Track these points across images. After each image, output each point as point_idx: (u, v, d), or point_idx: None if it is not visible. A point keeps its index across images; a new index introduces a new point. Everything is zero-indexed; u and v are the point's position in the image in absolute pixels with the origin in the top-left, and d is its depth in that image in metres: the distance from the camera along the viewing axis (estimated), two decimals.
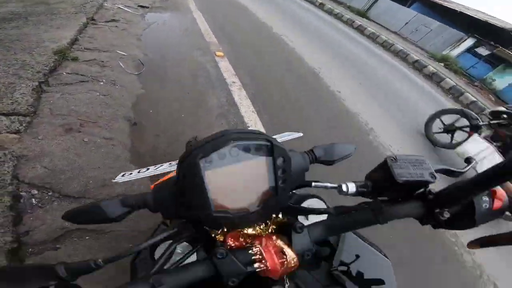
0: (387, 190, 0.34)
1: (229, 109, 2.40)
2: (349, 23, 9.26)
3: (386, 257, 0.45)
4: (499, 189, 0.33)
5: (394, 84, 4.84)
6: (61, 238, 1.23)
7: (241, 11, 6.14)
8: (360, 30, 8.77)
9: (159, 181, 0.34)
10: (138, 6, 4.07)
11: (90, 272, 0.28)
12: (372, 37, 8.26)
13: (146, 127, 1.97)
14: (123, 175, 0.62)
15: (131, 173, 0.62)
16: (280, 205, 0.34)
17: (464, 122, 2.65)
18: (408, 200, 0.33)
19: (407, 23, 11.06)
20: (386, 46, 7.72)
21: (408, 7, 12.35)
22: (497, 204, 0.32)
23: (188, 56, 3.10)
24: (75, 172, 1.49)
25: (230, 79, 2.89)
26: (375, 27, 9.98)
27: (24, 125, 1.68)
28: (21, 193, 1.36)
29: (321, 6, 11.28)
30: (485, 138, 2.43)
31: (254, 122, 2.33)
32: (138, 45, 2.91)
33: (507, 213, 0.34)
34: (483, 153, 2.30)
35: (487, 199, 0.32)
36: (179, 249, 0.38)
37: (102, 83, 2.15)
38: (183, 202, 0.30)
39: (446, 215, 0.31)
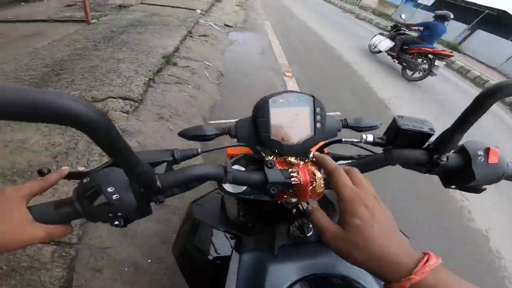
0: (396, 139, 0.41)
1: None
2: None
3: (405, 234, 0.51)
4: (493, 147, 0.38)
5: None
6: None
7: (313, 37, 6.42)
8: (447, 63, 8.11)
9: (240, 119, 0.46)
10: (225, 25, 4.70)
11: (192, 157, 0.41)
12: (462, 72, 7.56)
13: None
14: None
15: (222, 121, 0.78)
16: (314, 144, 0.44)
17: None
18: (413, 148, 0.41)
19: (509, 58, 9.63)
20: (479, 83, 6.92)
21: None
22: (493, 158, 0.37)
23: (261, 73, 3.42)
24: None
25: None
26: (468, 62, 9.13)
27: (132, 108, 2.13)
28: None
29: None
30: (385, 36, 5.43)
31: None
32: (221, 58, 3.36)
33: None
34: (382, 41, 5.25)
35: (482, 153, 0.38)
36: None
37: (190, 86, 2.57)
38: (254, 130, 0.42)
39: (444, 159, 0.38)
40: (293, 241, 0.44)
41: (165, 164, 0.37)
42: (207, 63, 3.07)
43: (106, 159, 1.64)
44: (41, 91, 0.18)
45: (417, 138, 0.40)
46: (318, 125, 0.42)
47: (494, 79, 7.24)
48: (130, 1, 5.02)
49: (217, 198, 0.61)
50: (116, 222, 0.30)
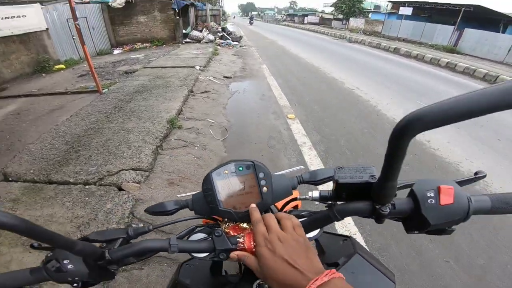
0: (340, 193, 0.42)
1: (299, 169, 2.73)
2: (435, 62, 9.14)
3: (391, 280, 0.51)
4: (444, 185, 0.36)
5: None
6: (147, 260, 1.66)
7: (310, 70, 6.96)
8: (450, 67, 8.39)
9: (196, 192, 0.54)
10: (224, 77, 5.28)
11: (146, 233, 0.48)
12: (468, 73, 7.74)
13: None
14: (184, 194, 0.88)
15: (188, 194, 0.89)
16: (264, 208, 0.48)
17: None
18: (358, 200, 0.41)
19: (510, 49, 9.94)
20: (490, 80, 7.06)
21: (503, 33, 11.57)
22: (445, 199, 0.35)
23: (264, 120, 3.76)
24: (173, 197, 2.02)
25: (301, 139, 3.28)
26: (470, 61, 9.39)
27: (143, 177, 2.42)
28: (132, 225, 1.94)
29: (396, 51, 11.56)
30: None
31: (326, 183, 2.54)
32: (224, 113, 3.76)
33: None
34: None
35: (432, 194, 0.36)
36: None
37: (196, 147, 2.89)
38: (206, 202, 0.48)
39: (385, 210, 0.37)
40: None
41: (120, 240, 0.46)
42: (211, 120, 3.45)
43: (122, 226, 1.87)
44: None
45: (360, 188, 0.40)
46: (264, 189, 0.46)
47: (504, 73, 7.40)
48: (135, 67, 5.80)
49: (206, 260, 0.66)
50: (75, 285, 0.41)
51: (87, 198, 2.13)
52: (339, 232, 1.91)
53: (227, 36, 12.72)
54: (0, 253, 1.66)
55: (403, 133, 0.28)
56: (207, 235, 0.50)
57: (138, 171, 2.46)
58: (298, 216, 0.50)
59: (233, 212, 0.47)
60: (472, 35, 11.98)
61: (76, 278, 0.40)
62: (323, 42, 15.41)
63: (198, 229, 0.52)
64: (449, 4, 15.38)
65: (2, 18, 6.05)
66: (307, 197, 0.48)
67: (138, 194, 2.21)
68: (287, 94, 4.83)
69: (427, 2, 17.33)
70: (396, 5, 20.60)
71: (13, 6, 6.70)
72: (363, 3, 27.54)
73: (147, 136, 2.93)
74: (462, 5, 14.17)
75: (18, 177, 2.39)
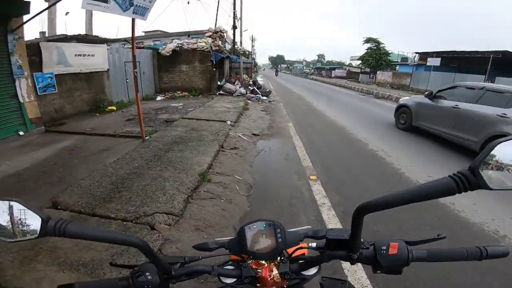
0: (329, 245, 0.66)
1: (317, 226, 2.91)
2: None
3: None
4: (392, 243, 0.57)
5: None
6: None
7: (334, 130, 7.39)
8: None
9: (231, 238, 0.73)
10: (252, 134, 5.88)
11: (196, 261, 0.71)
12: None
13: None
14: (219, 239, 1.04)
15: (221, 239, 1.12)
16: (278, 251, 0.68)
17: None
18: (340, 249, 0.64)
19: None
20: None
21: None
22: (392, 251, 0.56)
23: (287, 180, 4.12)
24: (194, 255, 2.30)
25: (321, 200, 3.51)
26: None
27: (174, 221, 2.80)
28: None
29: None
30: None
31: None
32: (250, 170, 4.21)
33: None
34: None
35: (384, 247, 0.57)
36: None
37: (223, 200, 3.27)
38: (238, 245, 0.69)
39: (354, 256, 0.60)
40: None
41: (179, 263, 0.68)
42: (237, 177, 3.89)
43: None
44: (126, 236, 0.57)
45: (341, 242, 0.62)
46: (279, 240, 0.68)
47: None
48: (174, 117, 6.68)
49: None
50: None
51: (123, 232, 2.50)
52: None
53: (258, 91, 14.02)
54: (36, 269, 2.01)
55: (359, 213, 0.54)
56: (235, 267, 0.73)
57: (170, 215, 2.85)
58: (302, 259, 0.74)
59: (256, 253, 0.68)
60: (504, 83, 11.93)
61: (150, 286, 0.60)
62: (350, 97, 16.25)
63: (230, 262, 0.75)
64: (477, 52, 15.62)
65: (75, 55, 6.83)
66: (309, 246, 0.75)
67: (167, 235, 2.57)
68: (310, 155, 5.22)
69: (455, 51, 17.59)
70: (423, 56, 20.92)
71: (87, 44, 7.63)
72: (390, 56, 28.05)
73: (181, 186, 3.40)
74: (491, 52, 14.36)
75: (67, 207, 2.88)
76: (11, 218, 0.46)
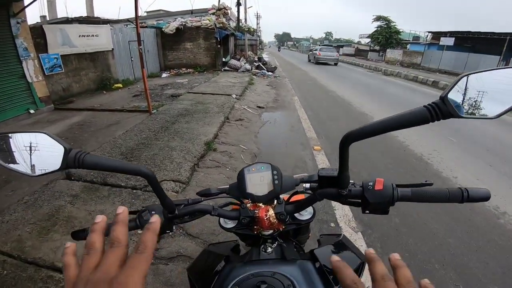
0: (321, 184, 0.64)
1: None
2: None
3: (358, 257, 0.71)
4: (378, 178, 0.56)
5: None
6: (173, 259, 1.98)
7: (340, 104, 7.18)
8: None
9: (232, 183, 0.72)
10: (257, 106, 5.79)
11: (198, 203, 0.67)
12: None
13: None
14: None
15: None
16: (275, 194, 0.67)
17: None
18: (331, 187, 0.62)
19: None
20: None
21: None
22: (378, 186, 0.55)
23: (291, 150, 4.08)
24: (200, 220, 2.34)
25: None
26: None
27: (181, 188, 2.84)
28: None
29: (434, 84, 11.43)
30: None
31: (341, 206, 2.65)
32: (255, 140, 4.18)
33: None
34: None
35: (371, 184, 0.56)
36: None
37: (228, 169, 3.29)
38: (238, 188, 0.68)
39: (343, 192, 0.58)
40: (262, 257, 0.69)
41: (183, 205, 0.66)
42: (242, 146, 3.87)
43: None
44: (136, 165, 0.52)
45: (332, 179, 0.60)
46: (276, 182, 0.67)
47: None
48: (179, 92, 6.61)
49: (230, 244, 0.84)
50: None
51: (133, 200, 2.56)
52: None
53: (263, 67, 13.66)
54: (52, 239, 2.05)
55: (344, 143, 0.51)
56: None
57: (177, 182, 2.89)
58: (298, 200, 0.71)
59: (254, 195, 0.67)
60: None
61: None
62: (357, 74, 15.69)
63: (231, 204, 0.76)
64: (494, 33, 14.90)
65: (79, 36, 6.96)
66: (303, 188, 0.72)
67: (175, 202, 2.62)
68: (315, 127, 5.14)
69: (470, 31, 16.81)
70: (436, 36, 20.16)
71: (91, 25, 7.77)
72: (400, 34, 27.02)
73: (187, 154, 3.41)
74: (508, 34, 13.71)
75: (80, 178, 2.94)
76: (35, 151, 0.46)
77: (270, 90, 8.81)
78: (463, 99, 0.43)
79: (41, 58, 5.81)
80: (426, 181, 0.57)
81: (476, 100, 0.43)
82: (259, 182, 0.68)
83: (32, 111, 5.50)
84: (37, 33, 5.82)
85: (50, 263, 1.83)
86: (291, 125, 5.16)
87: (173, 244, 2.12)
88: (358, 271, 0.67)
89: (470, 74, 0.43)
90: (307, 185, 0.71)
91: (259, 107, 5.85)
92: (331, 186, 0.62)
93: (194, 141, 3.81)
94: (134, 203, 2.53)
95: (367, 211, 0.59)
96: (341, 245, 0.75)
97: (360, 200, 0.59)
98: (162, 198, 0.58)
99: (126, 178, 2.91)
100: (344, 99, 7.91)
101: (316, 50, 21.92)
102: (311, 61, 21.95)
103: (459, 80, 0.43)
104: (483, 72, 0.44)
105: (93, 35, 7.41)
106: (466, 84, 0.43)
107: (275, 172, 0.68)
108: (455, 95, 0.43)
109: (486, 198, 0.53)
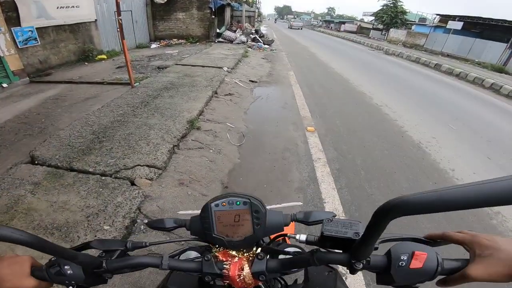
0: (323, 242, 0.46)
1: (309, 184, 2.59)
2: (478, 83, 8.44)
3: None
4: (420, 251, 0.39)
5: None
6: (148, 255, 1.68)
7: (338, 81, 6.70)
8: (494, 89, 7.75)
9: (195, 215, 0.57)
10: (250, 80, 5.26)
11: (142, 247, 0.53)
12: None
13: (234, 191, 2.44)
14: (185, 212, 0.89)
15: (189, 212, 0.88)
16: (255, 241, 0.52)
17: None
18: (338, 251, 0.45)
19: None
20: None
21: None
22: (416, 264, 0.39)
23: (282, 130, 3.68)
24: (175, 214, 2.04)
25: (316, 155, 3.15)
26: None
27: (156, 175, 2.47)
28: (137, 220, 1.99)
29: (437, 67, 10.84)
30: None
31: (332, 200, 2.40)
32: (244, 118, 3.74)
33: None
34: None
35: (405, 258, 0.40)
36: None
37: (211, 151, 2.89)
38: (201, 227, 0.52)
39: (358, 266, 0.41)
40: None
41: (118, 251, 0.51)
42: (229, 124, 3.45)
43: (127, 220, 1.93)
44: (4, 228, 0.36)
45: (342, 241, 0.43)
46: (257, 225, 0.51)
47: None
48: (167, 63, 5.99)
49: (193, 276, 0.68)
50: (70, 287, 0.47)
51: (101, 189, 2.20)
52: None
53: (259, 39, 12.75)
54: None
55: (386, 214, 0.34)
56: (199, 254, 0.56)
57: (152, 168, 2.52)
58: (283, 253, 0.54)
59: (225, 239, 0.51)
60: None
61: (72, 282, 0.46)
62: (358, 52, 14.84)
63: (191, 248, 0.58)
64: (505, 21, 14.16)
65: (57, 8, 6.47)
66: (296, 237, 0.52)
67: (148, 191, 2.26)
68: (310, 105, 4.69)
69: (480, 17, 16.04)
70: (443, 19, 19.31)
71: None
72: (406, 14, 26.07)
73: (166, 134, 3.00)
74: None
75: (44, 162, 2.54)
76: None
77: (265, 63, 8.15)
78: None
79: (14, 31, 5.40)
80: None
81: None
82: (233, 222, 0.52)
83: (5, 85, 5.08)
84: (9, 6, 5.35)
85: None
86: (284, 101, 4.69)
87: (147, 240, 1.80)
88: None
89: None
90: (303, 236, 0.52)
91: (252, 81, 5.32)
92: (338, 246, 0.45)
93: (176, 118, 3.36)
94: (101, 193, 2.17)
95: (383, 284, 0.44)
96: None
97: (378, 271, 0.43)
98: (72, 258, 0.44)
99: (94, 163, 2.52)
100: (342, 76, 7.35)
101: (291, 21, 44.78)
102: (289, 27, 40.19)
103: None
104: None
105: (73, 6, 6.93)
106: None
107: (255, 212, 0.51)
108: None
109: None
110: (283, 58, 9.50)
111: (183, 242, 0.54)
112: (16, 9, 5.48)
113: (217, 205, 0.51)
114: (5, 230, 0.36)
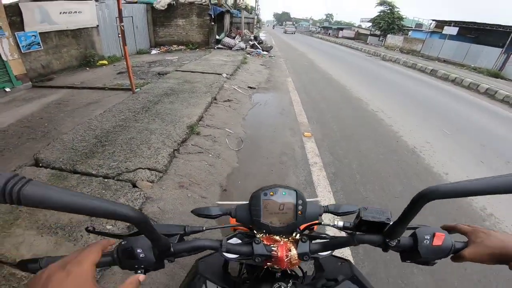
0: (360, 226, 0.54)
1: (305, 187, 2.68)
2: (473, 88, 8.69)
3: None
4: (438, 233, 0.50)
5: None
6: None
7: (335, 87, 6.83)
8: (489, 94, 7.98)
9: (239, 203, 0.61)
10: (248, 87, 5.39)
11: (199, 232, 0.57)
12: (508, 101, 7.26)
13: (233, 194, 2.53)
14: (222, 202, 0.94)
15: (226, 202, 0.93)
16: (296, 227, 0.58)
17: None
18: (372, 233, 0.54)
19: None
20: None
21: None
22: (436, 242, 0.49)
23: (280, 135, 3.79)
24: (176, 215, 2.12)
25: (313, 159, 3.24)
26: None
27: (157, 178, 2.55)
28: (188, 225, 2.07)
29: (433, 72, 11.05)
30: None
31: (328, 202, 2.45)
32: (243, 124, 3.84)
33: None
34: None
35: (428, 237, 0.50)
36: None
37: (211, 155, 2.98)
38: (249, 214, 0.58)
39: (392, 243, 0.51)
40: None
41: (178, 236, 0.55)
42: (228, 130, 3.55)
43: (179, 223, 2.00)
44: (114, 203, 0.36)
45: (376, 225, 0.52)
46: (299, 213, 0.57)
47: None
48: (167, 69, 6.12)
49: (220, 258, 0.71)
50: (139, 272, 0.47)
51: (103, 191, 2.28)
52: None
53: (258, 45, 12.96)
54: (14, 234, 1.82)
55: (422, 198, 0.42)
56: (240, 241, 0.61)
57: (153, 171, 2.60)
58: (319, 237, 0.61)
59: (270, 226, 0.57)
60: None
61: (142, 266, 0.47)
62: (355, 58, 15.07)
63: (238, 233, 0.63)
64: (499, 26, 14.46)
65: (60, 13, 6.57)
66: (333, 224, 0.60)
67: (149, 193, 2.33)
68: (307, 111, 4.81)
69: (475, 22, 16.37)
70: (439, 24, 19.62)
71: (73, 2, 7.26)
72: (403, 20, 26.51)
73: (167, 139, 3.09)
74: None
75: (48, 164, 2.62)
76: None
77: (264, 69, 8.30)
78: None
79: (17, 36, 5.49)
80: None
81: None
82: (277, 210, 0.57)
83: (8, 90, 5.14)
84: (13, 11, 5.46)
85: (13, 259, 1.63)
86: (282, 108, 4.81)
87: None
88: None
89: None
90: (340, 222, 0.60)
91: (250, 87, 5.44)
92: (372, 230, 0.54)
93: (176, 123, 3.46)
94: (104, 194, 2.25)
95: (408, 261, 0.54)
96: (357, 281, 0.65)
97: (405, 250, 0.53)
98: (155, 241, 0.46)
99: (97, 166, 2.61)
100: (339, 82, 7.50)
101: (286, 27, 48.50)
102: (284, 32, 45.08)
103: None
104: None
105: (76, 12, 7.04)
106: None
107: (300, 202, 0.58)
108: None
109: None
110: (282, 65, 9.67)
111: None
112: (20, 13, 5.58)
113: (265, 194, 0.57)
114: (125, 208, 0.37)
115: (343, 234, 0.60)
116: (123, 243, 0.47)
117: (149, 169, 2.61)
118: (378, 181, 2.90)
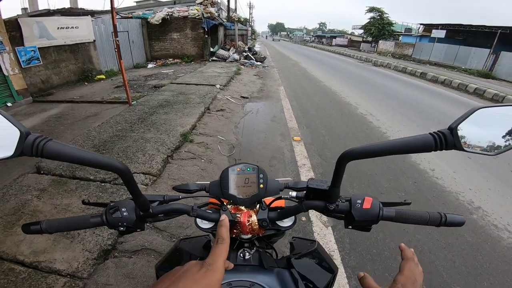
0: (309, 194, 0.62)
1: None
2: (462, 88, 9.06)
3: (333, 270, 0.70)
4: (367, 197, 0.55)
5: None
6: (137, 252, 1.91)
7: (328, 96, 7.07)
8: (478, 94, 8.33)
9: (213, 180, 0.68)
10: (241, 96, 5.64)
11: (176, 200, 0.64)
12: (497, 99, 7.63)
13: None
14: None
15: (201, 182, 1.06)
16: (258, 199, 0.65)
17: None
18: (317, 200, 0.60)
19: None
20: None
21: None
22: (366, 205, 0.55)
23: (270, 140, 3.99)
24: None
25: (301, 161, 3.43)
26: (506, 87, 9.19)
27: (151, 181, 2.73)
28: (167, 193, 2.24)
29: (423, 75, 11.42)
30: None
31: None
32: (235, 131, 4.06)
33: None
34: None
35: (359, 201, 0.55)
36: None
37: (203, 160, 3.18)
38: (219, 188, 0.64)
39: (331, 207, 0.57)
40: (239, 262, 0.66)
41: (157, 202, 0.63)
42: (221, 137, 3.76)
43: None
44: (109, 158, 0.44)
45: (321, 192, 0.59)
46: (261, 186, 0.64)
47: None
48: (163, 82, 6.39)
49: (201, 239, 0.80)
50: (121, 229, 0.54)
51: (101, 194, 2.46)
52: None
53: (251, 56, 13.37)
54: (16, 233, 1.91)
55: (342, 159, 0.50)
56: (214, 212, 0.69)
57: (148, 175, 2.78)
58: (278, 209, 0.70)
59: (237, 197, 0.64)
60: (509, 58, 11.34)
61: (124, 224, 0.54)
62: (347, 65, 15.51)
63: (211, 205, 0.72)
64: (485, 26, 14.93)
65: (58, 28, 6.79)
66: (288, 196, 0.70)
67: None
68: (297, 117, 5.04)
69: (461, 24, 16.81)
70: (428, 28, 20.12)
71: (70, 17, 7.50)
72: (393, 26, 27.22)
73: (161, 146, 3.29)
74: (499, 27, 13.77)
75: (49, 171, 2.81)
76: None
77: (257, 80, 8.62)
78: (471, 132, 0.41)
79: (17, 51, 5.67)
80: (405, 200, 0.59)
81: (483, 135, 0.42)
82: (243, 184, 0.65)
83: (9, 104, 5.35)
84: (13, 26, 5.68)
85: (13, 256, 1.80)
86: (273, 115, 5.04)
87: (138, 237, 2.04)
88: (331, 282, 0.68)
89: (484, 107, 0.41)
90: (293, 193, 0.69)
91: (243, 97, 5.70)
92: (318, 198, 0.61)
93: (170, 132, 3.68)
94: (101, 196, 2.43)
95: (350, 227, 0.59)
96: (317, 254, 0.74)
97: (344, 215, 0.59)
98: (136, 196, 0.53)
99: (95, 171, 2.79)
100: (330, 89, 7.80)
101: (274, 37, 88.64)
102: (272, 40, 68.70)
103: (472, 113, 0.41)
104: (498, 107, 0.41)
105: (73, 27, 7.26)
106: (477, 117, 0.41)
107: (261, 175, 0.66)
108: (464, 127, 0.42)
109: (461, 224, 0.54)
110: (274, 74, 10.02)
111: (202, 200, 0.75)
112: (19, 28, 5.79)
113: (233, 170, 0.65)
114: (115, 162, 0.44)
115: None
116: (111, 204, 0.55)
117: (143, 173, 2.80)
118: (365, 179, 3.07)
